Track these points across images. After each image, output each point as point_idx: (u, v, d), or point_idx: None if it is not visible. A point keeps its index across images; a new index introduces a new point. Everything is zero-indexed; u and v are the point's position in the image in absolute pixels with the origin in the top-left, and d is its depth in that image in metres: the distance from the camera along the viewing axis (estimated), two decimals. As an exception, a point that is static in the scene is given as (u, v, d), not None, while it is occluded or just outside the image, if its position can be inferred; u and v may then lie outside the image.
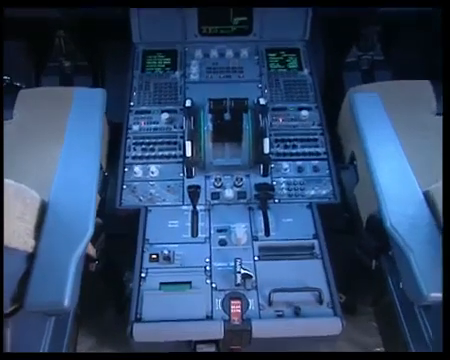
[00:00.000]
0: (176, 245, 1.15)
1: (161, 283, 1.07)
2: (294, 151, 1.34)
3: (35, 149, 1.25)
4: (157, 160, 1.34)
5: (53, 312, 0.95)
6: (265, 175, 1.29)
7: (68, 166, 1.07)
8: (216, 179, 1.27)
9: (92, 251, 1.15)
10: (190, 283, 1.07)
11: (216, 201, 1.25)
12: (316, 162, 1.33)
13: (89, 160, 1.08)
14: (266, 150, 1.26)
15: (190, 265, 1.11)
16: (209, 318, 1.01)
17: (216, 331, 0.97)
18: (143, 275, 1.09)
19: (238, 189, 1.27)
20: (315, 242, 1.15)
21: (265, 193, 1.22)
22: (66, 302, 0.84)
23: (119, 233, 1.28)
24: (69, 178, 1.04)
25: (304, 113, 1.38)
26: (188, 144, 1.26)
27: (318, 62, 1.56)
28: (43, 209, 0.96)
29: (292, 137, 1.36)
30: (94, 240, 1.10)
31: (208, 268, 1.10)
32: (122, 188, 1.28)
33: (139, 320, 1.00)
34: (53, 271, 0.87)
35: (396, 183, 0.98)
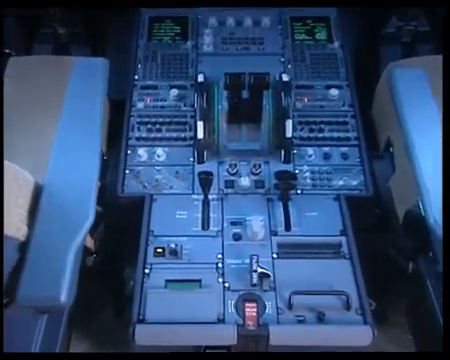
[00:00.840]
0: (184, 238, 1.17)
1: (167, 281, 1.10)
2: (320, 135, 1.35)
3: (27, 125, 1.25)
4: (164, 142, 1.36)
5: (47, 308, 0.97)
6: (287, 162, 1.30)
7: (65, 146, 1.08)
8: (231, 165, 1.29)
9: (90, 243, 1.17)
10: (200, 281, 1.09)
11: (230, 190, 1.27)
12: (345, 148, 1.33)
13: (89, 139, 1.10)
14: (288, 133, 1.26)
15: (200, 261, 1.13)
16: (221, 321, 1.03)
17: (228, 336, 0.98)
18: (147, 271, 1.11)
19: (255, 177, 1.29)
20: (343, 239, 1.16)
21: (286, 182, 1.24)
22: (63, 297, 0.86)
23: (120, 224, 1.31)
24: (66, 159, 1.06)
25: (333, 92, 1.39)
26: (200, 125, 1.27)
27: (351, 33, 1.56)
28: (37, 193, 0.97)
29: (318, 119, 1.36)
30: (92, 231, 1.13)
31: (220, 265, 1.12)
32: (124, 173, 1.30)
33: (142, 321, 1.02)
34: (49, 262, 0.89)
35: (441, 174, 0.96)
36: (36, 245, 0.91)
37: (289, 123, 1.25)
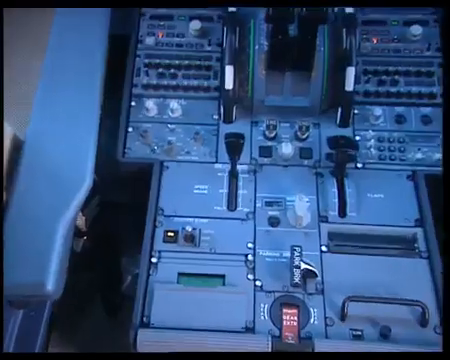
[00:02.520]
0: (204, 220, 1.20)
1: (180, 274, 1.13)
2: (393, 90, 1.34)
3: (10, 65, 1.28)
4: (180, 92, 1.37)
5: (27, 300, 0.99)
6: (344, 125, 1.31)
7: (54, 89, 1.09)
8: (268, 127, 1.29)
9: (80, 221, 1.19)
10: (223, 277, 1.11)
11: (266, 160, 1.29)
12: (427, 109, 1.32)
13: (85, 84, 1.11)
14: (349, 86, 1.26)
15: (224, 251, 1.16)
16: (249, 331, 1.05)
17: (259, 350, 1.01)
18: (154, 261, 1.15)
19: (301, 144, 1.30)
20: (419, 232, 1.16)
21: (343, 152, 1.23)
22: (50, 285, 0.88)
23: (119, 198, 1.33)
24: (55, 109, 1.07)
25: (414, 30, 1.36)
26: (229, 70, 1.27)
27: None
28: (16, 149, 0.99)
29: (392, 68, 1.35)
30: (84, 205, 1.14)
31: (250, 258, 1.15)
32: (126, 132, 1.32)
33: (146, 325, 1.06)
34: (32, 239, 0.90)
35: None
36: (15, 217, 0.93)
37: (351, 72, 1.25)
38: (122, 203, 1.34)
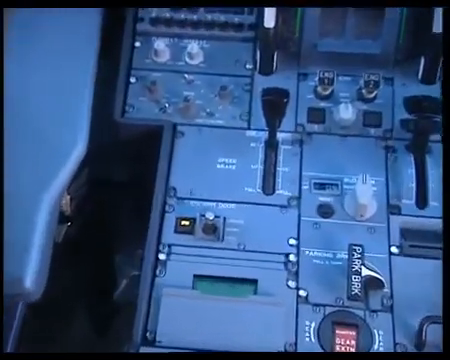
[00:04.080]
0: (230, 206, 1.20)
1: (197, 277, 1.13)
2: None
3: None
4: (202, 31, 1.37)
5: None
6: (430, 81, 1.31)
7: (36, 28, 1.13)
8: (322, 81, 1.28)
9: (64, 201, 1.20)
10: (255, 283, 1.11)
11: (317, 127, 1.29)
12: None
13: (78, 21, 1.14)
14: (437, 27, 1.23)
15: (257, 248, 1.16)
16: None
17: None
18: (162, 257, 1.15)
19: (366, 106, 1.30)
20: None
21: (426, 119, 1.21)
22: (29, 282, 0.92)
23: (115, 174, 1.36)
24: (38, 51, 1.11)
25: None
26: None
27: None
28: None
29: None
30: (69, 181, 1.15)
31: (293, 258, 1.15)
32: (128, 82, 1.33)
33: (150, 343, 1.07)
34: (8, 221, 0.92)
35: None
36: None
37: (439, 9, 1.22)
38: (119, 181, 1.36)
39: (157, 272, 1.13)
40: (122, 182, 1.35)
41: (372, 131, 1.27)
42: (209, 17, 1.37)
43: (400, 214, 1.18)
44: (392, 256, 1.14)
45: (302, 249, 1.16)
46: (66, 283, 1.40)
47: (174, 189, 1.22)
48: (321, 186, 1.22)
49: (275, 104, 1.23)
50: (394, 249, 1.14)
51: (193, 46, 1.33)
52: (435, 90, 1.29)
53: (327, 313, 1.09)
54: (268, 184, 1.23)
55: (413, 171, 1.21)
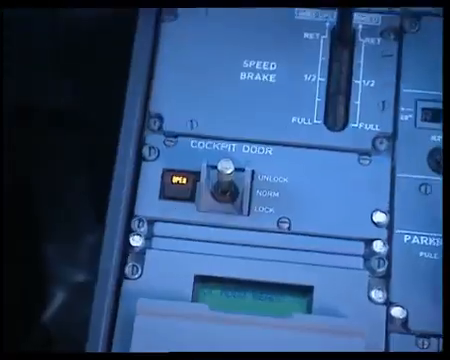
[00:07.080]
0: (264, 149, 0.93)
1: (199, 279, 0.88)
2: None
3: None
4: None
5: None
6: None
7: None
8: None
9: None
10: (311, 291, 0.85)
11: None
12: None
13: None
14: None
15: (312, 230, 0.89)
16: None
17: None
18: (136, 244, 0.87)
19: None
20: None
21: None
22: None
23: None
24: None
25: None
26: None
27: None
28: None
29: None
30: None
31: (380, 248, 0.88)
32: None
33: None
34: None
35: None
36: None
37: None
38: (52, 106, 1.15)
39: (126, 271, 0.84)
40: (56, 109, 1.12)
41: None
42: None
43: None
44: None
45: (397, 232, 0.88)
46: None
47: (159, 117, 0.93)
48: (434, 116, 0.95)
49: None
50: None
51: None
52: None
53: (441, 350, 0.84)
54: (335, 111, 0.93)
55: None
